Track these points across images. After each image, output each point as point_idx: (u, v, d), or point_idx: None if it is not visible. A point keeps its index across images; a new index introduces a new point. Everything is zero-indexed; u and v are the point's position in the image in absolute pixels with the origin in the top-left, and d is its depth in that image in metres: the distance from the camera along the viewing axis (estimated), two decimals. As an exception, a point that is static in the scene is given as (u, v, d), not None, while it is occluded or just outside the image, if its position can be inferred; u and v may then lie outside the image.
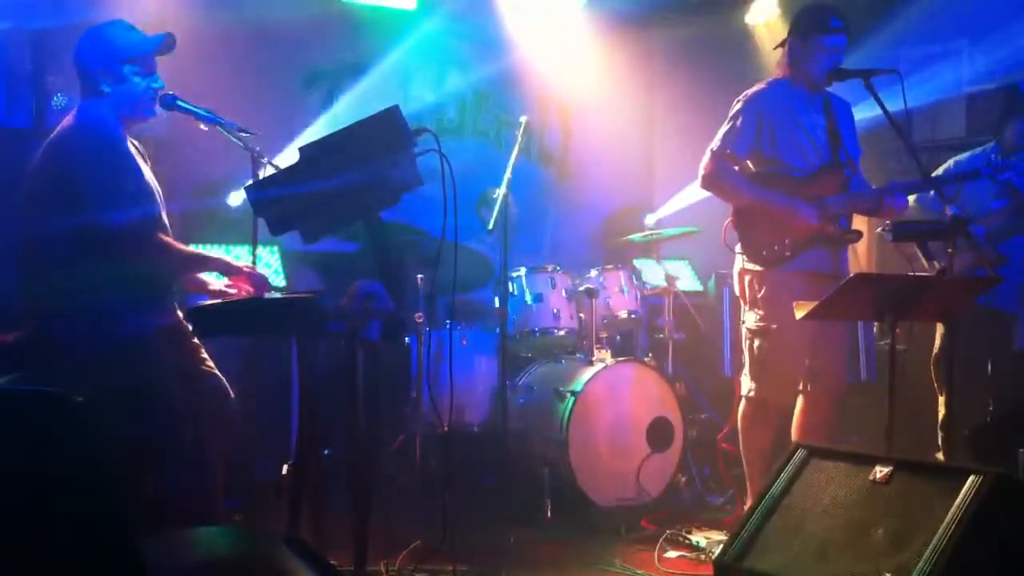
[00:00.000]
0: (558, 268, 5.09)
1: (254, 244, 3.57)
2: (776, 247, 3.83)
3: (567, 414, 4.45)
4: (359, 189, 2.75)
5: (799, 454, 2.89)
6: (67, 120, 3.17)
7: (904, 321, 3.20)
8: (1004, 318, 4.35)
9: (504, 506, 4.18)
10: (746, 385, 4.00)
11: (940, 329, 4.36)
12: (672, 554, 3.95)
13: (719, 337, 5.72)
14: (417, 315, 4.59)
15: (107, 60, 3.15)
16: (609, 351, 4.93)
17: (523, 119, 4.51)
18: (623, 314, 5.09)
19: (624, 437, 4.57)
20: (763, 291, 3.89)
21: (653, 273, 5.78)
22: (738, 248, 3.99)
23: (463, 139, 6.29)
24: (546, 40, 6.32)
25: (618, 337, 5.47)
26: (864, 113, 4.10)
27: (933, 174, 4.25)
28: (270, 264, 4.86)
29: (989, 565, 2.41)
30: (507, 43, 6.26)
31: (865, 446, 4.09)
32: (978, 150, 4.51)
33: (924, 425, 4.27)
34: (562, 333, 4.95)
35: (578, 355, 4.94)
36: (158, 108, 3.24)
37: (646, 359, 5.03)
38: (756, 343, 3.93)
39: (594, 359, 4.75)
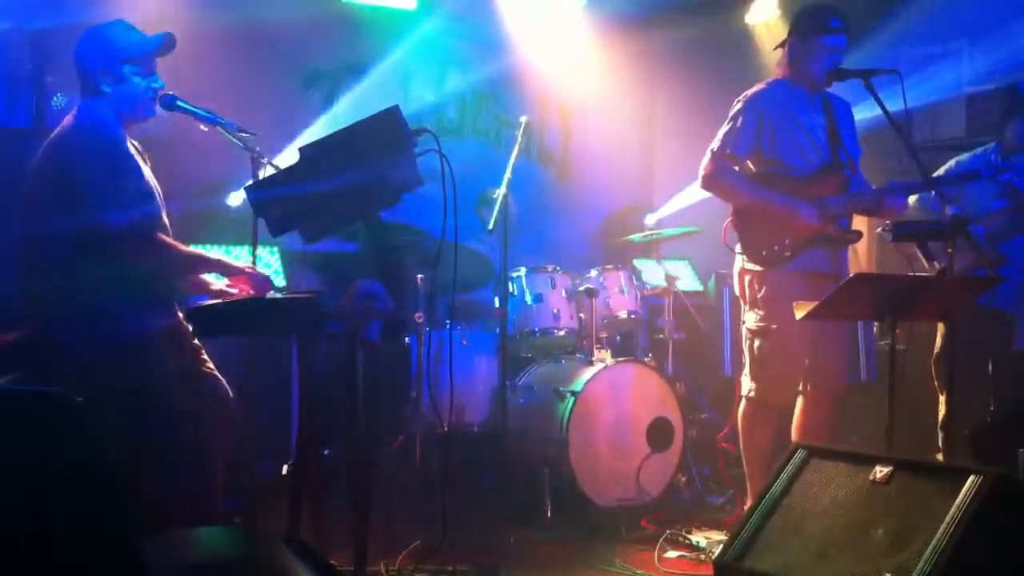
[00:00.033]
0: (558, 268, 5.09)
1: (254, 244, 3.57)
2: (776, 247, 3.83)
3: (567, 414, 4.45)
4: (359, 189, 2.75)
5: (799, 454, 2.89)
6: (67, 120, 3.17)
7: (904, 321, 3.20)
8: (1004, 318, 4.35)
9: (504, 506, 4.18)
10: (746, 385, 4.01)
11: (941, 329, 4.36)
12: (672, 554, 3.95)
13: (719, 337, 5.72)
14: (417, 315, 4.59)
15: (107, 60, 3.15)
16: (609, 351, 4.93)
17: (523, 119, 4.51)
18: (623, 314, 5.09)
19: (624, 437, 4.57)
20: (763, 291, 3.89)
21: (653, 273, 5.78)
22: (738, 248, 3.99)
23: (463, 139, 6.29)
24: (546, 40, 6.32)
25: (618, 337, 5.47)
26: (864, 113, 4.10)
27: (935, 174, 4.25)
28: (270, 264, 4.86)
29: (989, 565, 2.41)
30: (507, 43, 6.25)
31: (865, 446, 4.09)
32: (979, 150, 4.51)
33: (924, 425, 4.27)
34: (562, 333, 4.95)
35: (578, 355, 4.93)
36: (158, 108, 3.24)
37: (646, 359, 5.03)
38: (756, 343, 3.93)
39: (594, 359, 4.75)
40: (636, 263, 5.89)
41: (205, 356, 3.31)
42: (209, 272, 3.29)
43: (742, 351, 4.08)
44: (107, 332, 3.01)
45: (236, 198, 4.89)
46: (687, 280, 6.20)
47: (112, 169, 3.07)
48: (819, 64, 3.85)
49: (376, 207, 2.83)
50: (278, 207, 2.82)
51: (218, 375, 3.30)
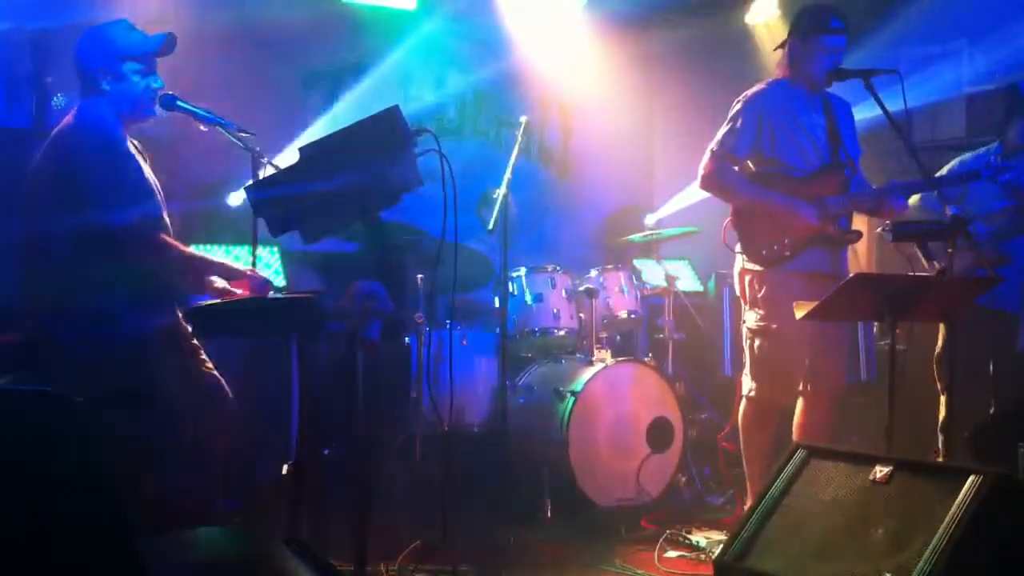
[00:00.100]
0: (558, 268, 5.09)
1: (254, 244, 3.57)
2: (776, 247, 3.83)
3: (567, 414, 4.45)
4: (359, 189, 2.75)
5: (799, 454, 2.89)
6: (67, 120, 3.17)
7: (904, 321, 3.20)
8: (1006, 318, 4.35)
9: (504, 506, 4.18)
10: (747, 385, 4.01)
11: (942, 329, 4.36)
12: (672, 554, 3.95)
13: (719, 337, 5.72)
14: (417, 315, 4.59)
15: (107, 59, 3.15)
16: (609, 351, 4.93)
17: (523, 119, 4.51)
18: (623, 314, 5.09)
19: (624, 437, 4.57)
20: (763, 291, 3.89)
21: (653, 273, 5.78)
22: (738, 248, 3.99)
23: (463, 139, 6.29)
24: (546, 40, 6.32)
25: (618, 337, 5.47)
26: (864, 113, 4.10)
27: (938, 174, 4.25)
28: (270, 264, 4.85)
29: (989, 565, 2.41)
30: (507, 43, 6.25)
31: (865, 446, 4.09)
32: (981, 150, 4.51)
33: (924, 425, 4.27)
34: (562, 333, 4.95)
35: (578, 355, 4.93)
36: (158, 108, 3.25)
37: (646, 359, 5.03)
38: (756, 343, 3.93)
39: (594, 359, 4.75)
40: (636, 263, 5.89)
41: (205, 356, 3.31)
42: (209, 274, 3.29)
43: (742, 351, 4.08)
44: (107, 332, 3.01)
45: (236, 198, 4.88)
46: (687, 280, 6.20)
47: (112, 168, 3.07)
48: (819, 64, 3.85)
49: (376, 207, 2.83)
50: (278, 207, 2.82)
51: (218, 375, 3.30)
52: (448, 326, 4.66)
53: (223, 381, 3.30)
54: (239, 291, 3.19)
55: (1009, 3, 5.53)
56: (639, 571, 3.75)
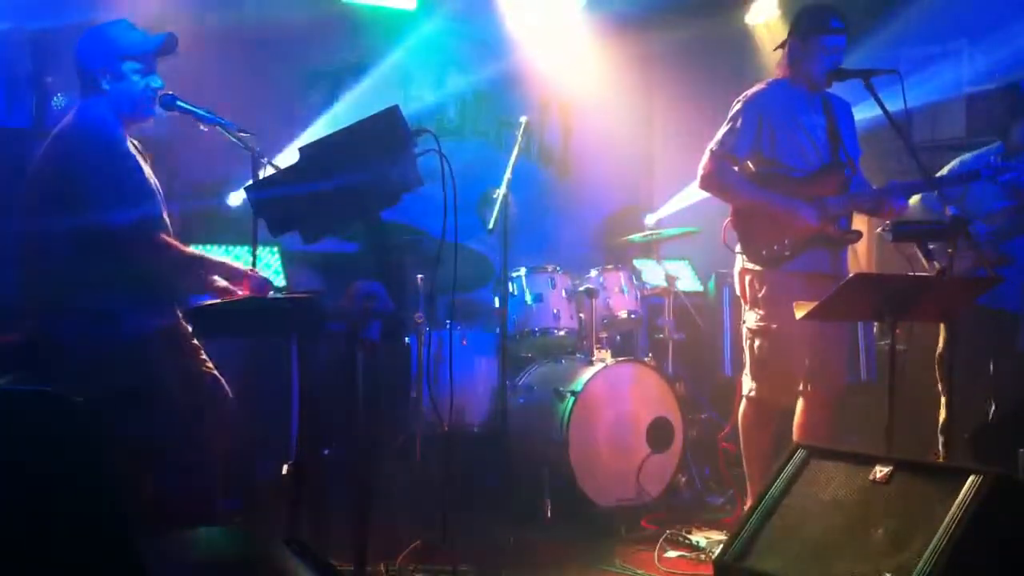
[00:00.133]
0: (558, 268, 5.09)
1: (254, 244, 3.57)
2: (776, 247, 3.83)
3: (567, 414, 4.45)
4: (359, 189, 2.75)
5: (799, 454, 2.89)
6: (67, 119, 3.17)
7: (904, 321, 3.20)
8: (1006, 318, 4.35)
9: (504, 506, 4.18)
10: (747, 385, 4.01)
11: (943, 329, 4.36)
12: (672, 554, 3.95)
13: (719, 337, 5.72)
14: (417, 315, 4.59)
15: (107, 58, 3.15)
16: (609, 351, 4.93)
17: (523, 119, 4.51)
18: (623, 314, 5.09)
19: (624, 437, 4.57)
20: (763, 291, 3.89)
21: (653, 273, 5.78)
22: (738, 248, 3.99)
23: (463, 139, 6.29)
24: (546, 40, 6.32)
25: (618, 337, 5.47)
26: (864, 113, 4.10)
27: (939, 174, 4.25)
28: (270, 264, 4.85)
29: (989, 565, 2.41)
30: (507, 43, 6.25)
31: (865, 446, 4.09)
32: (983, 150, 4.50)
33: (924, 425, 4.27)
34: (562, 333, 4.95)
35: (578, 355, 4.93)
36: (158, 108, 3.24)
37: (646, 359, 5.03)
38: (757, 343, 3.93)
39: (594, 359, 4.75)
40: (636, 263, 5.89)
41: (205, 356, 3.31)
42: (210, 273, 3.28)
43: (742, 351, 4.08)
44: (107, 332, 3.01)
45: (236, 198, 4.89)
46: (687, 280, 6.20)
47: (112, 168, 3.07)
48: (819, 64, 3.85)
49: (376, 207, 2.83)
50: (278, 207, 2.82)
51: (218, 375, 3.30)
52: (448, 326, 4.66)
53: (223, 381, 3.30)
54: (240, 291, 3.19)
55: (1009, 3, 5.53)
56: (639, 571, 3.75)
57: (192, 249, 3.31)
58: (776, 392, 3.93)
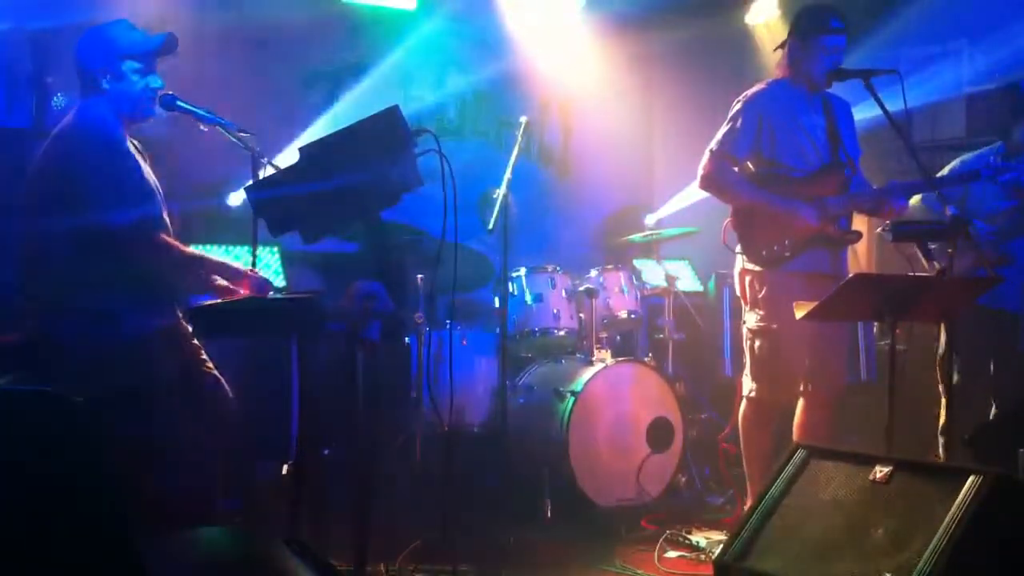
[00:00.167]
0: (558, 268, 5.09)
1: (254, 244, 3.57)
2: (775, 247, 3.83)
3: (567, 414, 4.45)
4: (359, 189, 2.75)
5: (799, 454, 2.89)
6: (67, 119, 3.17)
7: (904, 321, 3.20)
8: (1006, 318, 4.34)
9: (504, 506, 4.18)
10: (747, 385, 4.01)
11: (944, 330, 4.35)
12: (672, 554, 3.95)
13: (719, 337, 5.71)
14: (417, 315, 4.59)
15: (107, 58, 3.15)
16: (609, 351, 4.93)
17: (523, 119, 4.51)
18: (623, 314, 5.09)
19: (624, 437, 4.57)
20: (763, 291, 3.89)
21: (653, 273, 5.78)
22: (738, 249, 3.99)
23: (463, 139, 6.29)
24: (546, 40, 6.32)
25: (618, 337, 5.47)
26: (864, 113, 4.10)
27: (940, 174, 4.25)
28: (270, 265, 4.85)
29: (989, 565, 2.41)
30: (507, 43, 6.25)
31: (865, 446, 4.09)
32: (985, 150, 4.50)
33: (924, 425, 4.27)
34: (562, 333, 4.95)
35: (578, 355, 4.93)
36: (158, 108, 3.25)
37: (646, 359, 5.03)
38: (757, 343, 3.93)
39: (594, 359, 4.75)
40: (636, 263, 5.89)
41: (205, 356, 3.31)
42: (210, 273, 3.28)
43: (742, 351, 4.08)
44: (107, 332, 3.01)
45: (236, 198, 4.89)
46: (687, 280, 6.20)
47: (112, 168, 3.07)
48: (819, 64, 3.85)
49: (376, 207, 2.83)
50: (278, 207, 2.82)
51: (218, 375, 3.30)
52: (448, 326, 4.65)
53: (223, 381, 3.30)
54: (240, 291, 3.19)
55: (1009, 3, 5.53)
56: (639, 571, 3.75)
57: (192, 249, 3.31)
58: (776, 392, 3.93)
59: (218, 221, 4.84)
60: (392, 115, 2.76)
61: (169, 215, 3.27)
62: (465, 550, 3.71)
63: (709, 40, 6.36)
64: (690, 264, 6.41)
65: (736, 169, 3.99)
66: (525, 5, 6.26)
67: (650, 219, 6.32)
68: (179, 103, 3.26)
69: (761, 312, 3.89)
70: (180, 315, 3.25)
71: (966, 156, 4.55)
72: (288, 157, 3.37)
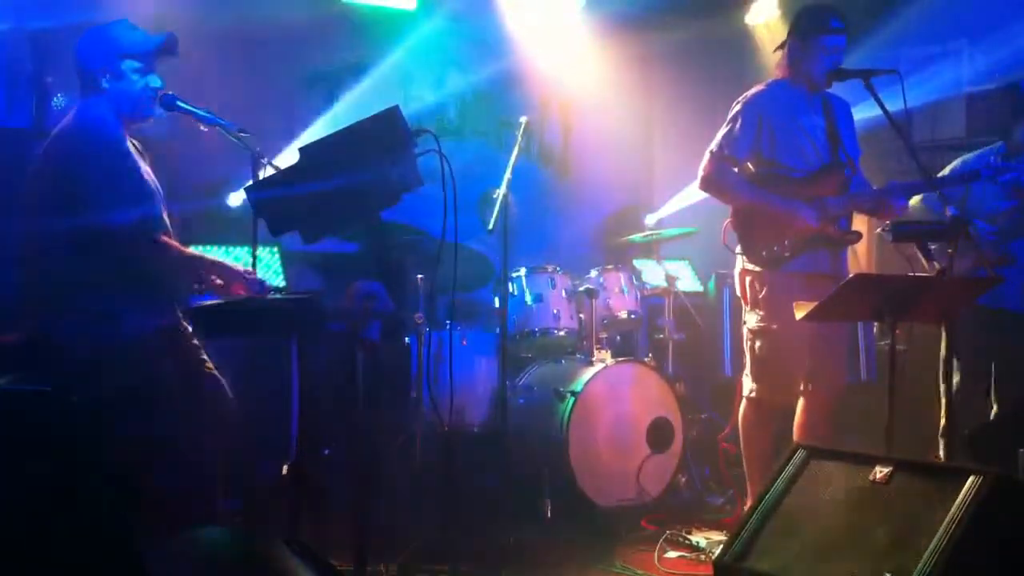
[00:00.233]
0: (558, 268, 5.09)
1: (254, 245, 3.57)
2: (775, 248, 3.83)
3: (567, 414, 4.45)
4: (359, 189, 2.75)
5: (799, 454, 2.89)
6: (67, 119, 3.17)
7: (904, 321, 3.20)
8: (1008, 318, 4.34)
9: (504, 506, 4.18)
10: (747, 385, 4.01)
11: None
12: (672, 554, 3.95)
13: (719, 337, 5.72)
14: (417, 315, 4.59)
15: (107, 57, 3.15)
16: (609, 351, 4.92)
17: (523, 119, 4.51)
18: (623, 314, 5.09)
19: (624, 437, 4.57)
20: (764, 292, 3.89)
21: (653, 273, 5.78)
22: (738, 249, 3.99)
23: (463, 139, 6.29)
24: (546, 40, 6.32)
25: (618, 337, 5.47)
26: (864, 113, 4.10)
27: (941, 174, 4.25)
28: (270, 265, 4.85)
29: (989, 565, 2.41)
30: (507, 43, 6.25)
31: (865, 446, 4.08)
32: (986, 150, 4.50)
33: (924, 425, 4.27)
34: (562, 333, 4.95)
35: (578, 355, 4.93)
36: (158, 108, 3.25)
37: (646, 359, 5.03)
38: (757, 343, 3.93)
39: (594, 359, 4.75)
40: (636, 263, 5.89)
41: (205, 356, 3.31)
42: (209, 274, 3.28)
43: (742, 351, 4.08)
44: (107, 332, 3.01)
45: (236, 198, 4.88)
46: (687, 280, 6.20)
47: (112, 168, 3.07)
48: (819, 64, 3.85)
49: (376, 207, 2.83)
50: (278, 207, 2.82)
51: (218, 375, 3.30)
52: (448, 326, 4.65)
53: (223, 381, 3.30)
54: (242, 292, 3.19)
55: (1009, 3, 5.53)
56: (639, 571, 3.75)
57: (191, 249, 3.31)
58: (776, 392, 3.93)
59: (218, 221, 4.84)
60: (392, 115, 2.76)
61: (169, 215, 3.27)
62: (465, 550, 3.71)
63: (709, 40, 6.36)
64: (690, 264, 6.41)
65: (736, 170, 3.99)
66: (525, 5, 6.26)
67: (650, 219, 6.33)
68: (179, 103, 3.26)
69: (761, 312, 3.89)
70: (180, 315, 3.25)
71: (967, 156, 4.55)
72: (288, 157, 3.37)
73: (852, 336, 4.85)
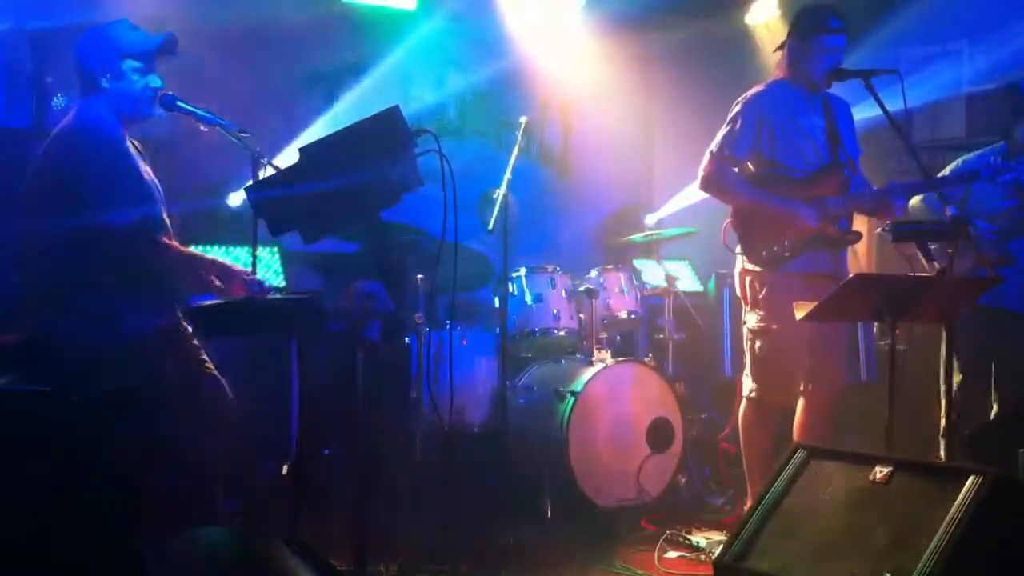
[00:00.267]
0: (558, 268, 5.09)
1: (254, 245, 3.57)
2: (775, 248, 3.83)
3: (567, 414, 4.45)
4: (359, 189, 2.75)
5: (799, 454, 2.89)
6: (66, 120, 3.17)
7: (904, 321, 3.20)
8: (1008, 318, 4.34)
9: (504, 506, 4.18)
10: (747, 385, 4.01)
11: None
12: (672, 554, 3.95)
13: (719, 337, 5.71)
14: (417, 315, 4.59)
15: (108, 57, 3.15)
16: (609, 351, 4.92)
17: (523, 119, 4.51)
18: (623, 314, 5.09)
19: (624, 437, 4.57)
20: (764, 292, 3.89)
21: (653, 273, 5.78)
22: (738, 249, 3.99)
23: (463, 139, 6.29)
24: (546, 40, 6.32)
25: (618, 337, 5.47)
26: (864, 113, 4.10)
27: (941, 173, 4.25)
28: (270, 265, 4.85)
29: (989, 565, 2.41)
30: (507, 43, 6.26)
31: (865, 446, 4.08)
32: (987, 150, 4.50)
33: (924, 425, 4.27)
34: (562, 333, 4.95)
35: (578, 355, 4.93)
36: (158, 108, 3.24)
37: (646, 359, 5.03)
38: (757, 343, 3.93)
39: (594, 359, 4.75)
40: (636, 263, 5.89)
41: (205, 356, 3.31)
42: (209, 274, 3.28)
43: (742, 351, 4.08)
44: (107, 332, 3.01)
45: (236, 198, 4.88)
46: (687, 280, 6.20)
47: (111, 169, 3.07)
48: (819, 64, 3.85)
49: (376, 207, 2.83)
50: (278, 207, 2.82)
51: (218, 375, 3.30)
52: (448, 326, 4.65)
53: (223, 381, 3.30)
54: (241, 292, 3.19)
55: (1009, 3, 5.53)
56: (639, 571, 3.75)
57: (191, 249, 3.31)
58: (776, 392, 3.93)
59: (218, 221, 4.84)
60: (392, 115, 2.76)
61: (169, 215, 3.27)
62: (465, 550, 3.71)
63: (709, 40, 6.36)
64: (690, 264, 6.41)
65: (736, 170, 3.99)
66: (525, 5, 6.26)
67: (650, 219, 6.33)
68: (179, 103, 3.25)
69: (761, 312, 3.89)
70: (180, 315, 3.25)
71: (968, 156, 4.55)
72: (288, 157, 3.37)
73: (852, 336, 4.85)
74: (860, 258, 5.54)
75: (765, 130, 3.90)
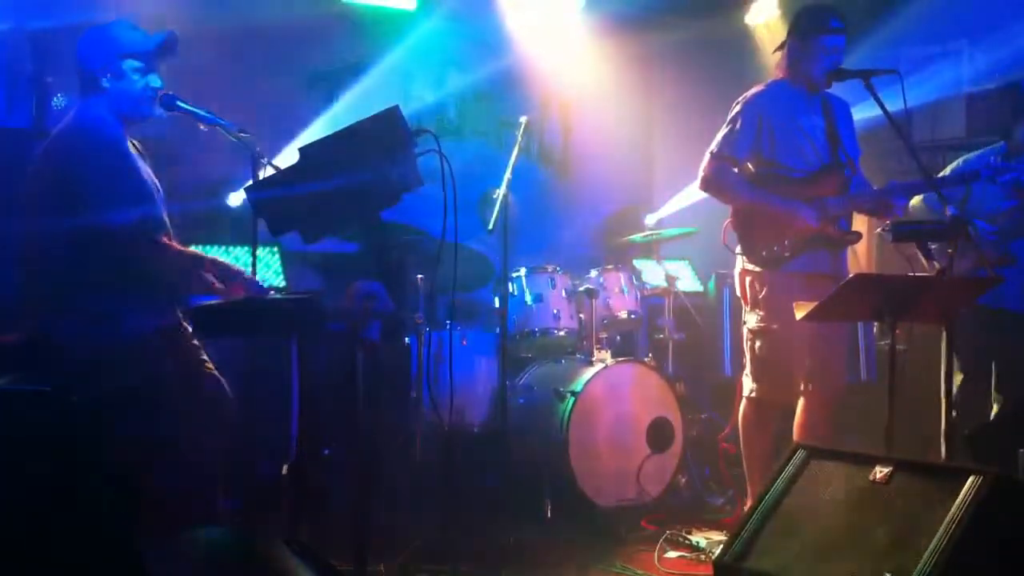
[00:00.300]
0: (558, 268, 5.09)
1: (254, 245, 3.57)
2: (775, 248, 3.83)
3: (567, 414, 4.45)
4: (359, 189, 2.75)
5: (799, 454, 2.89)
6: (67, 120, 3.17)
7: (904, 321, 3.20)
8: (1008, 318, 4.34)
9: (504, 506, 4.18)
10: (748, 385, 4.01)
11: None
12: (672, 554, 3.95)
13: (719, 337, 5.72)
14: (417, 315, 4.59)
15: (108, 56, 3.15)
16: (609, 351, 4.92)
17: (523, 119, 4.51)
18: (623, 314, 5.09)
19: (624, 437, 4.57)
20: (764, 292, 3.89)
21: (653, 273, 5.78)
22: (738, 249, 3.99)
23: (463, 139, 6.29)
24: (546, 40, 6.32)
25: (618, 337, 5.47)
26: (864, 113, 4.10)
27: (941, 173, 4.24)
28: (270, 265, 4.85)
29: (989, 565, 2.41)
30: (507, 43, 6.26)
31: (865, 446, 4.08)
32: (987, 149, 4.50)
33: (924, 425, 4.26)
34: (562, 333, 4.95)
35: (578, 355, 4.93)
36: (158, 108, 3.24)
37: (646, 359, 5.03)
38: (757, 343, 3.93)
39: (594, 359, 4.75)
40: (636, 263, 5.89)
41: (205, 356, 3.31)
42: (209, 274, 3.28)
43: (742, 351, 4.09)
44: (107, 332, 3.01)
45: (236, 198, 4.88)
46: (687, 280, 6.20)
47: (111, 169, 3.07)
48: (819, 64, 3.85)
49: (376, 207, 2.83)
50: (278, 207, 2.82)
51: (217, 375, 3.30)
52: (448, 326, 4.65)
53: (223, 381, 3.30)
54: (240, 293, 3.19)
55: (1009, 3, 5.53)
56: (639, 571, 3.75)
57: (191, 249, 3.30)
58: (776, 392, 3.93)
59: (218, 221, 4.84)
60: (392, 115, 2.76)
61: (169, 215, 3.27)
62: (465, 550, 3.71)
63: (709, 40, 6.36)
64: (690, 264, 6.41)
65: (736, 170, 3.99)
66: (525, 5, 6.26)
67: (650, 219, 6.33)
68: (179, 103, 3.25)
69: (761, 312, 3.89)
70: (180, 315, 3.25)
71: (968, 156, 4.55)
72: (288, 157, 3.37)
73: (852, 336, 4.85)
74: (860, 258, 5.54)
75: (765, 130, 3.90)
